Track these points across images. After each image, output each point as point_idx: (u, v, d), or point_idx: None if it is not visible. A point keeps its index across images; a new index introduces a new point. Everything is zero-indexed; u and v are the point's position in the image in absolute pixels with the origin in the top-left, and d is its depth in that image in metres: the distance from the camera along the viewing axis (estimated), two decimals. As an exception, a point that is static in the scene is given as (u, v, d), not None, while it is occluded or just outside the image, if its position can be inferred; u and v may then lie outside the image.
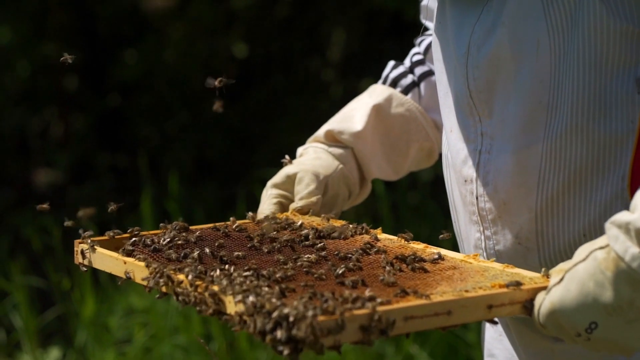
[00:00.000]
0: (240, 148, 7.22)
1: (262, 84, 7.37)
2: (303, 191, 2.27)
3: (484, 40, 2.02)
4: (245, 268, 1.86)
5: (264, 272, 1.84)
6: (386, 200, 5.11)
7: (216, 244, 2.04)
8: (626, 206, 1.94)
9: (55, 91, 7.88)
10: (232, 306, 1.73)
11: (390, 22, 6.87)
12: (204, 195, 6.89)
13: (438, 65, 2.18)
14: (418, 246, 2.03)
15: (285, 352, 1.61)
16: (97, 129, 7.88)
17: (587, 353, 1.99)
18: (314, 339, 1.59)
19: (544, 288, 1.78)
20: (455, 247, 2.13)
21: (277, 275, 1.83)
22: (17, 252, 6.27)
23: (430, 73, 2.41)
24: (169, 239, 2.05)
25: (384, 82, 2.44)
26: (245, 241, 2.06)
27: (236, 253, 1.98)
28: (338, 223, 2.17)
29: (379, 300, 1.69)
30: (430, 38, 2.39)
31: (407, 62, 2.46)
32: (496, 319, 1.82)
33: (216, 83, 2.23)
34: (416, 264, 1.91)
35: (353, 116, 2.40)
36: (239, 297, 1.71)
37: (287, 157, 2.37)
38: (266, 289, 1.74)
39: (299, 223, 2.14)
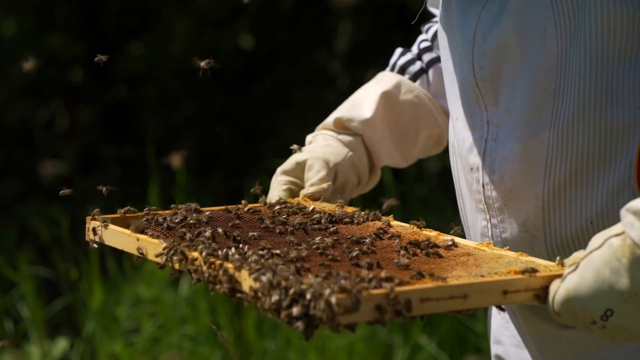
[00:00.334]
0: (247, 140, 7.22)
1: (268, 76, 7.37)
2: (314, 177, 2.27)
3: (489, 28, 2.02)
4: (260, 247, 1.87)
5: (279, 252, 1.84)
6: (394, 191, 5.12)
7: (230, 225, 2.04)
8: (633, 193, 1.95)
9: (61, 83, 7.88)
10: (247, 283, 1.73)
11: (397, 13, 6.87)
12: (211, 186, 6.90)
13: (444, 53, 2.18)
14: (431, 233, 2.04)
15: (301, 327, 1.61)
16: (103, 121, 7.89)
17: (594, 340, 2.00)
18: (331, 317, 1.59)
19: (559, 276, 1.78)
20: (461, 236, 2.14)
21: (292, 255, 1.83)
22: (24, 242, 6.28)
23: (438, 60, 2.41)
24: (181, 218, 2.05)
25: (392, 69, 2.44)
26: (258, 223, 2.06)
27: (251, 233, 1.98)
28: (349, 210, 2.17)
29: (396, 280, 1.69)
30: (437, 25, 2.40)
31: (414, 49, 2.46)
32: (503, 306, 1.82)
33: (203, 64, 2.30)
34: (430, 250, 1.91)
35: (362, 104, 2.40)
36: (255, 274, 1.71)
37: (296, 145, 2.37)
38: (282, 266, 1.74)
39: (311, 208, 2.15)
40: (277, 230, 2.02)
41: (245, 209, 2.14)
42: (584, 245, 1.95)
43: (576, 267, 1.75)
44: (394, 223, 2.10)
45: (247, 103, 7.37)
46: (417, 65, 2.42)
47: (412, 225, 2.08)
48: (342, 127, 2.39)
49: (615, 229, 1.73)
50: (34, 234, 6.08)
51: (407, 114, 2.40)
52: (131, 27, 7.79)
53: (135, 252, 2.00)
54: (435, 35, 2.42)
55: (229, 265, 1.78)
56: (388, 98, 2.39)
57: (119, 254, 5.23)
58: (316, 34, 7.35)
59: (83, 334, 5.19)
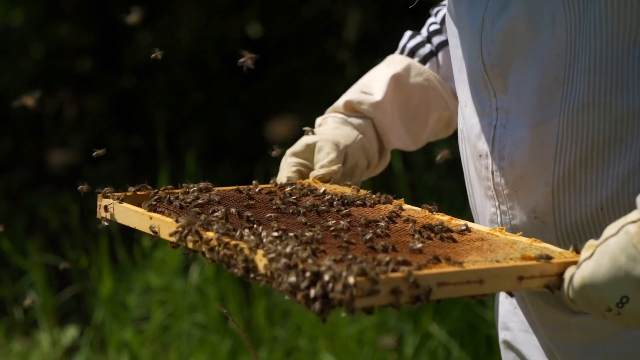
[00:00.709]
0: (256, 128, 7.22)
1: (277, 65, 7.36)
2: (324, 159, 2.27)
3: (498, 14, 2.02)
4: (275, 228, 1.86)
5: (294, 233, 1.84)
6: (404, 179, 5.12)
7: (244, 204, 2.04)
8: (643, 179, 1.96)
9: (69, 72, 7.88)
10: (262, 264, 1.73)
11: (406, 1, 6.84)
12: (220, 175, 6.90)
13: (452, 40, 2.18)
14: (443, 217, 2.04)
15: (317, 308, 1.61)
16: (112, 110, 7.89)
17: (603, 326, 2.00)
18: (349, 300, 1.60)
19: (574, 263, 1.78)
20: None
21: (307, 237, 1.83)
22: (34, 230, 6.30)
23: (447, 42, 2.40)
24: (193, 197, 2.05)
25: (402, 52, 2.44)
26: (271, 204, 2.06)
27: (268, 214, 1.98)
28: (361, 192, 2.17)
29: (414, 264, 1.69)
30: (445, 9, 2.40)
31: (424, 32, 2.45)
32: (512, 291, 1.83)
33: (246, 57, 2.38)
34: (444, 234, 1.91)
35: (372, 86, 2.39)
36: (272, 254, 1.72)
37: (308, 127, 2.37)
38: (298, 247, 1.74)
39: (322, 190, 2.15)
40: (290, 211, 2.02)
41: (257, 190, 2.14)
42: (594, 232, 1.96)
43: (592, 254, 1.74)
44: (406, 206, 2.10)
45: (255, 92, 7.37)
46: (427, 48, 2.42)
47: (423, 209, 2.08)
48: (352, 109, 2.39)
49: (632, 216, 1.73)
50: (44, 222, 6.10)
51: (417, 97, 2.40)
52: (139, 16, 7.77)
53: (147, 231, 1.99)
54: (444, 19, 2.42)
55: (244, 246, 1.78)
56: (398, 81, 2.39)
57: (129, 241, 5.26)
58: (325, 22, 7.33)
59: (93, 321, 5.20)
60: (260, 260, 1.74)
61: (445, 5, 2.42)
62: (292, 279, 1.65)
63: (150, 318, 5.09)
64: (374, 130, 2.39)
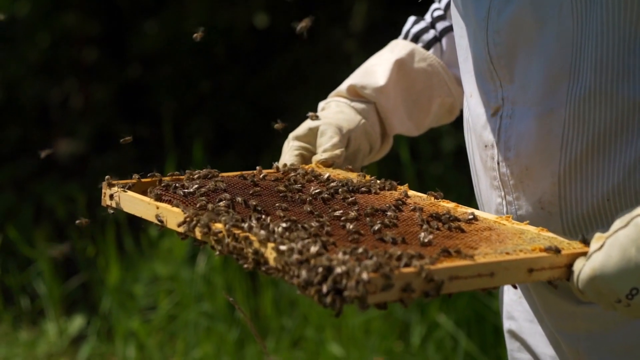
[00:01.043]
0: (262, 118, 7.21)
1: (283, 55, 7.36)
2: (326, 143, 2.27)
3: (504, 4, 2.01)
4: (285, 219, 1.85)
5: (303, 225, 1.83)
6: (411, 169, 5.12)
7: (251, 192, 2.02)
8: (650, 170, 1.95)
9: (76, 62, 7.88)
10: (273, 257, 1.72)
11: (413, -8, 6.82)
12: (227, 165, 6.90)
13: (457, 29, 2.17)
14: (449, 205, 2.03)
15: (330, 303, 1.61)
16: (118, 100, 7.89)
17: (609, 316, 2.01)
18: (363, 296, 1.59)
19: (583, 254, 1.78)
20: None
21: (316, 229, 1.82)
22: (41, 220, 6.30)
23: (451, 28, 2.39)
24: (197, 185, 2.03)
25: (405, 38, 2.43)
26: (276, 192, 2.04)
27: (278, 204, 1.96)
28: (363, 177, 2.16)
29: (426, 259, 1.68)
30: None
31: (427, 18, 2.44)
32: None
33: (302, 25, 2.46)
34: (452, 224, 1.91)
35: (375, 71, 2.39)
36: (283, 247, 1.71)
37: (312, 112, 2.36)
38: (309, 240, 1.73)
39: (326, 175, 2.13)
40: (296, 197, 2.00)
41: (261, 176, 2.13)
42: (600, 222, 1.95)
43: (601, 246, 1.74)
44: (411, 193, 2.10)
45: (262, 82, 7.36)
46: (431, 34, 2.41)
47: (429, 196, 2.07)
48: (355, 94, 2.39)
49: (641, 208, 1.74)
50: (51, 211, 6.10)
51: (421, 83, 2.40)
52: (146, 5, 7.78)
53: (154, 220, 1.97)
54: (448, 4, 2.41)
55: (254, 238, 1.77)
56: (402, 66, 2.39)
57: (136, 231, 5.27)
58: (331, 12, 7.32)
59: (100, 311, 5.21)
60: (271, 254, 1.73)
61: (449, -10, 2.42)
62: (304, 274, 1.64)
63: (157, 307, 5.10)
64: (376, 115, 2.38)
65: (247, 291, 5.03)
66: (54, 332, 5.29)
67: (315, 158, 2.26)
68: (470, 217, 1.95)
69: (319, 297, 1.61)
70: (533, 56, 2.00)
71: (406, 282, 1.63)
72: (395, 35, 2.51)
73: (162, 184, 2.05)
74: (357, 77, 2.40)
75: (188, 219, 1.88)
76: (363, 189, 2.08)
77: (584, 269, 1.76)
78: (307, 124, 2.32)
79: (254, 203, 1.95)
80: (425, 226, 1.89)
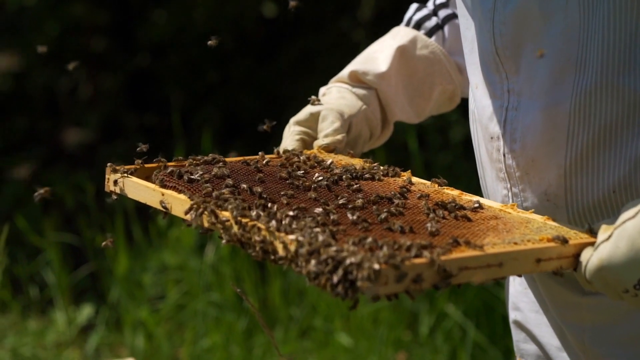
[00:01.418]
0: (270, 108, 7.21)
1: (291, 44, 7.35)
2: (328, 128, 2.26)
3: (510, -5, 2.01)
4: (294, 207, 1.84)
5: (310, 215, 1.81)
6: (419, 158, 5.11)
7: (257, 178, 2.02)
8: (656, 162, 1.94)
9: (84, 51, 7.88)
10: (282, 247, 1.71)
11: (421, -19, 6.81)
12: (234, 154, 6.90)
13: (463, 21, 2.16)
14: (453, 192, 2.03)
15: (342, 294, 1.60)
16: (126, 89, 7.90)
17: (614, 306, 2.01)
18: (374, 287, 1.58)
19: (590, 244, 1.78)
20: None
21: (322, 217, 1.81)
22: (50, 209, 6.31)
23: (454, 16, 2.40)
24: (202, 171, 2.01)
25: (407, 24, 2.43)
26: (280, 179, 2.03)
27: (284, 192, 1.94)
28: (367, 164, 2.16)
29: (437, 249, 1.67)
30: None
31: (430, 5, 2.44)
32: None
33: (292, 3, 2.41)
34: (458, 212, 1.90)
35: (377, 57, 2.38)
36: (292, 236, 1.70)
37: (314, 96, 2.36)
38: (317, 229, 1.72)
39: (329, 161, 2.13)
40: (300, 183, 2.00)
41: (264, 162, 2.12)
42: (606, 214, 1.95)
43: (609, 236, 1.74)
44: (415, 180, 2.09)
45: (270, 71, 7.36)
46: (433, 21, 2.41)
47: (433, 183, 2.07)
48: (356, 80, 2.38)
49: (650, 199, 1.73)
50: (59, 200, 6.11)
51: (422, 70, 2.39)
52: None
53: (158, 206, 1.96)
54: None
55: (262, 226, 1.76)
56: (404, 53, 2.38)
57: (144, 220, 5.27)
58: (340, 1, 7.31)
59: (108, 300, 5.23)
60: (280, 244, 1.72)
61: (451, -20, 2.41)
62: (314, 264, 1.63)
63: (166, 297, 5.11)
64: (377, 101, 2.38)
65: (256, 281, 5.03)
66: (62, 321, 5.30)
67: (316, 143, 2.26)
68: (476, 205, 1.95)
69: (331, 288, 1.60)
70: (539, 48, 1.99)
71: (417, 273, 1.62)
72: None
73: (167, 170, 2.03)
74: (358, 63, 2.39)
75: (195, 206, 1.87)
76: (367, 175, 2.08)
77: (591, 259, 1.76)
78: (309, 109, 2.31)
79: (259, 190, 1.93)
80: (431, 215, 1.88)
